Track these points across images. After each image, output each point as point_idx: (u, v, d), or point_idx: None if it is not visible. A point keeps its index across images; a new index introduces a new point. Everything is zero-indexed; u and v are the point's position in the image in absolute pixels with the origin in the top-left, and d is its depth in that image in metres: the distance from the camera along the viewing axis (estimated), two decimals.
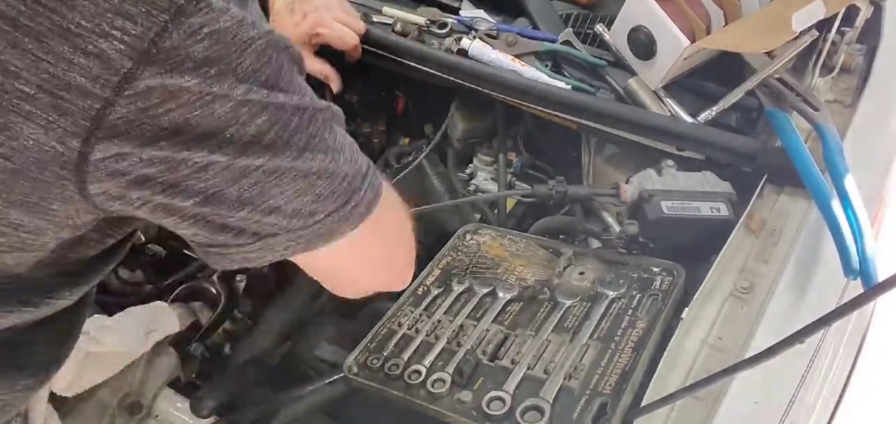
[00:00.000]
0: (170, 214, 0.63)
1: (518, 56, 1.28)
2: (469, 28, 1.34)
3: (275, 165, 0.62)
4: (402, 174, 1.34)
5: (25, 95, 0.55)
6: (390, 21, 1.37)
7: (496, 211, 1.32)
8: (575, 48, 1.28)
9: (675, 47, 1.15)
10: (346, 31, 1.30)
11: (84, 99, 0.55)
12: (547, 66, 1.28)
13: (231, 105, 0.58)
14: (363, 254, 0.75)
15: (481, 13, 1.39)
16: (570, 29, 1.33)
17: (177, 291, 1.20)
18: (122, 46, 0.54)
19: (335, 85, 1.34)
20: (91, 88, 0.55)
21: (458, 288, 1.08)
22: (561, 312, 1.01)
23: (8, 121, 0.56)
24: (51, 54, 0.54)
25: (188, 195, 0.61)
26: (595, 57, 1.27)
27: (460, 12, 1.40)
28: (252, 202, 0.63)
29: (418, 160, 1.32)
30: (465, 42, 1.30)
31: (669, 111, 1.20)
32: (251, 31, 0.59)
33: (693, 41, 1.15)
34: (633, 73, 1.23)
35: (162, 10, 0.55)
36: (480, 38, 1.31)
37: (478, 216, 1.31)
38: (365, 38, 1.33)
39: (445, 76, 1.29)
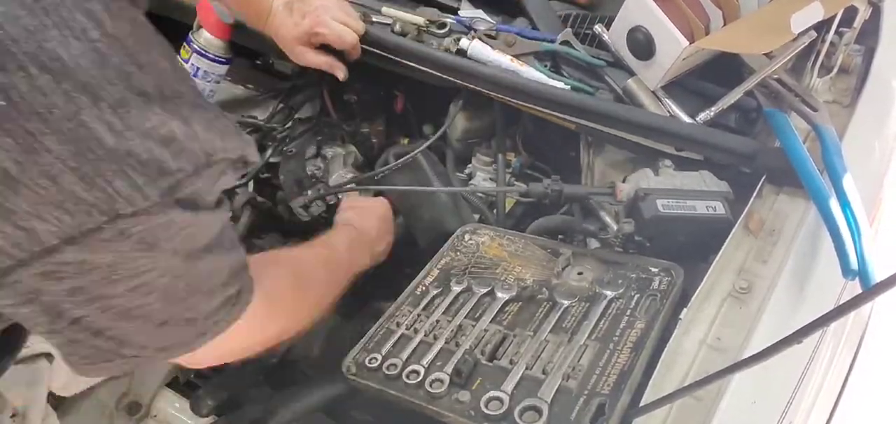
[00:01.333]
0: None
1: (517, 56, 1.28)
2: (468, 28, 1.34)
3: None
4: (400, 162, 1.34)
5: None
6: (389, 21, 1.37)
7: (495, 211, 1.32)
8: (574, 48, 1.28)
9: (674, 48, 1.15)
10: (345, 31, 1.30)
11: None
12: (546, 66, 1.28)
13: (144, 276, 0.65)
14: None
15: (480, 13, 1.39)
16: (569, 29, 1.33)
17: None
18: (53, 229, 0.59)
19: (340, 74, 1.34)
20: (10, 251, 0.59)
21: (456, 288, 1.08)
22: (559, 312, 1.01)
23: None
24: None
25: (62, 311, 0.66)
26: (594, 57, 1.27)
27: (459, 12, 1.40)
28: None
29: (415, 153, 1.32)
30: (464, 42, 1.30)
31: (668, 111, 1.20)
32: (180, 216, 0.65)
33: (692, 42, 1.15)
34: (631, 74, 1.23)
35: (102, 213, 0.60)
36: (480, 39, 1.31)
37: (476, 216, 1.31)
38: (364, 38, 1.33)
39: (444, 76, 1.29)
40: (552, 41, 1.30)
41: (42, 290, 0.63)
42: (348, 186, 1.39)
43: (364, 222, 1.22)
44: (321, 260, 1.04)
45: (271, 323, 0.87)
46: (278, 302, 0.87)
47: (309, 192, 1.36)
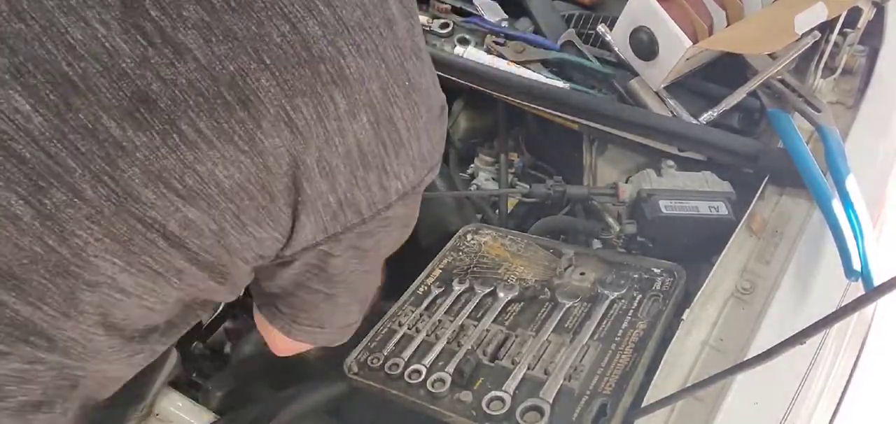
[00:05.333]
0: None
1: (524, 63, 1.28)
2: (472, 30, 1.34)
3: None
4: None
5: (327, 203, 0.64)
6: None
7: (497, 211, 1.32)
8: (585, 56, 1.28)
9: (677, 48, 1.15)
10: None
11: (354, 216, 0.66)
12: (553, 72, 1.28)
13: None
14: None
15: (495, 6, 1.39)
16: (573, 30, 1.33)
17: None
18: (400, 186, 0.67)
19: None
20: (364, 210, 0.66)
21: (458, 288, 1.08)
22: (561, 312, 1.00)
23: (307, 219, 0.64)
24: (364, 183, 0.64)
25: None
26: (602, 65, 1.27)
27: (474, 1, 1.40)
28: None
29: None
30: (459, 50, 1.30)
31: (671, 112, 1.19)
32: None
33: (695, 42, 1.15)
34: (634, 74, 1.23)
35: (427, 167, 0.69)
36: (484, 46, 1.31)
37: (479, 216, 1.31)
38: None
39: (447, 76, 1.29)
40: (559, 49, 1.30)
41: (355, 247, 0.70)
42: None
43: None
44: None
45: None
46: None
47: None
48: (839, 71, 1.25)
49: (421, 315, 1.04)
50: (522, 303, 1.04)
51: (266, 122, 0.56)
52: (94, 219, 0.54)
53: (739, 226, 1.01)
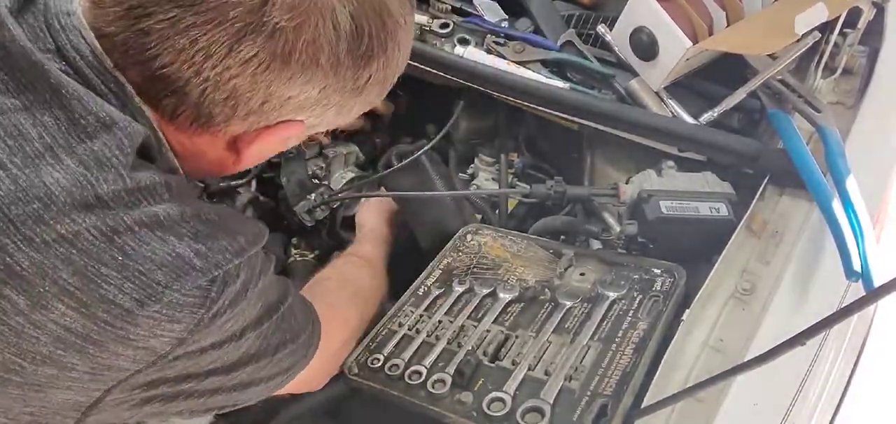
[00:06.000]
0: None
1: (524, 63, 1.28)
2: (472, 30, 1.34)
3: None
4: (403, 162, 1.34)
5: (72, 378, 0.65)
6: None
7: (497, 211, 1.32)
8: (585, 56, 1.28)
9: (677, 48, 1.15)
10: None
11: (120, 372, 0.67)
12: (553, 72, 1.28)
13: (238, 350, 0.74)
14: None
15: (495, 6, 1.39)
16: (573, 30, 1.33)
17: None
18: (166, 339, 0.66)
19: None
20: (129, 367, 0.67)
21: (458, 289, 1.08)
22: (562, 313, 1.00)
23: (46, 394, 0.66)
24: (108, 353, 0.65)
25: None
26: (602, 66, 1.26)
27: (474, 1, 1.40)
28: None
29: (418, 154, 1.32)
30: (459, 50, 1.30)
31: (671, 112, 1.19)
32: (255, 287, 0.73)
33: (695, 42, 1.15)
34: (634, 74, 1.23)
35: (200, 307, 0.67)
36: (484, 47, 1.31)
37: (479, 217, 1.31)
38: None
39: (446, 76, 1.29)
40: (559, 50, 1.30)
41: (162, 380, 0.70)
42: (350, 190, 1.39)
43: (384, 227, 1.28)
44: (367, 277, 1.11)
45: (346, 334, 0.99)
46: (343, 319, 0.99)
47: (312, 197, 1.36)
48: (839, 71, 1.25)
49: (421, 315, 1.04)
50: (523, 304, 1.04)
51: None
52: None
53: (739, 227, 1.01)
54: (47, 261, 0.61)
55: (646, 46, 1.19)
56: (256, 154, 0.79)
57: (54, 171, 0.62)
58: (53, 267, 0.61)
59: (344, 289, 1.04)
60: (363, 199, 1.36)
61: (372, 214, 1.30)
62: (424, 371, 0.94)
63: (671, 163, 1.16)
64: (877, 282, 0.86)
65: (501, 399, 0.87)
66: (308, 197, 1.37)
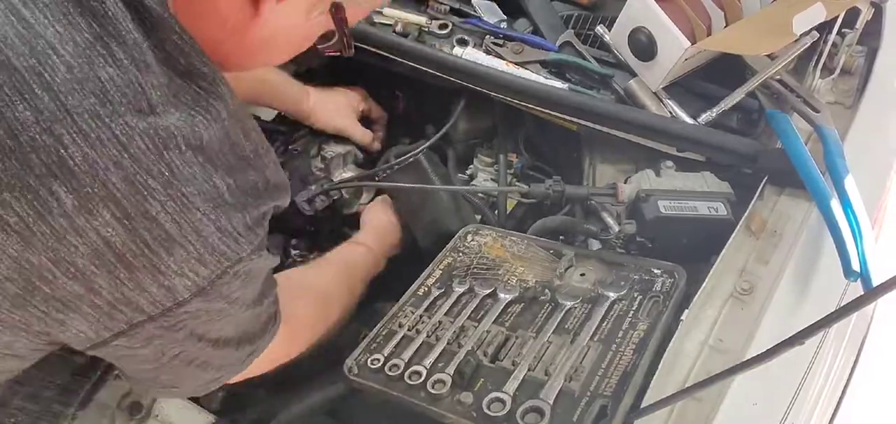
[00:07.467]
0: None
1: (523, 64, 1.28)
2: (470, 31, 1.34)
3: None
4: (402, 161, 1.34)
5: (94, 305, 0.62)
6: (391, 22, 1.37)
7: (497, 212, 1.32)
8: (583, 57, 1.28)
9: (676, 48, 1.15)
10: (365, 133, 1.45)
11: (135, 313, 0.63)
12: (552, 72, 1.28)
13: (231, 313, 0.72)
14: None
15: (493, 7, 1.39)
16: (571, 30, 1.33)
17: None
18: (190, 282, 0.64)
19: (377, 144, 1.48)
20: (145, 309, 0.63)
21: (458, 289, 1.08)
22: (562, 313, 1.00)
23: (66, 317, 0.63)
24: (133, 283, 0.62)
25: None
26: (601, 66, 1.27)
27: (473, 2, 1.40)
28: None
29: (418, 152, 1.32)
30: (457, 51, 1.30)
31: (670, 112, 1.20)
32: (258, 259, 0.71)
33: (694, 42, 1.15)
34: (633, 74, 1.23)
35: (228, 260, 0.65)
36: (483, 47, 1.31)
37: (478, 217, 1.31)
38: (366, 39, 1.33)
39: (445, 76, 1.29)
40: (558, 50, 1.30)
41: (161, 337, 0.67)
42: (351, 181, 1.39)
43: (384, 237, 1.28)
44: (342, 282, 1.11)
45: (295, 346, 0.97)
46: (302, 328, 0.98)
47: (312, 187, 1.37)
48: (838, 71, 1.25)
49: (421, 316, 1.04)
50: (523, 304, 1.04)
51: None
52: None
53: (738, 227, 1.02)
54: (100, 161, 0.57)
55: (644, 47, 1.19)
56: (278, 21, 0.70)
57: (108, 67, 0.58)
58: (105, 167, 0.57)
59: (314, 306, 1.04)
60: (368, 202, 1.37)
61: (378, 211, 1.31)
62: (424, 372, 0.94)
63: (670, 163, 1.16)
64: (875, 281, 0.87)
65: (501, 400, 0.87)
66: (309, 187, 1.37)
